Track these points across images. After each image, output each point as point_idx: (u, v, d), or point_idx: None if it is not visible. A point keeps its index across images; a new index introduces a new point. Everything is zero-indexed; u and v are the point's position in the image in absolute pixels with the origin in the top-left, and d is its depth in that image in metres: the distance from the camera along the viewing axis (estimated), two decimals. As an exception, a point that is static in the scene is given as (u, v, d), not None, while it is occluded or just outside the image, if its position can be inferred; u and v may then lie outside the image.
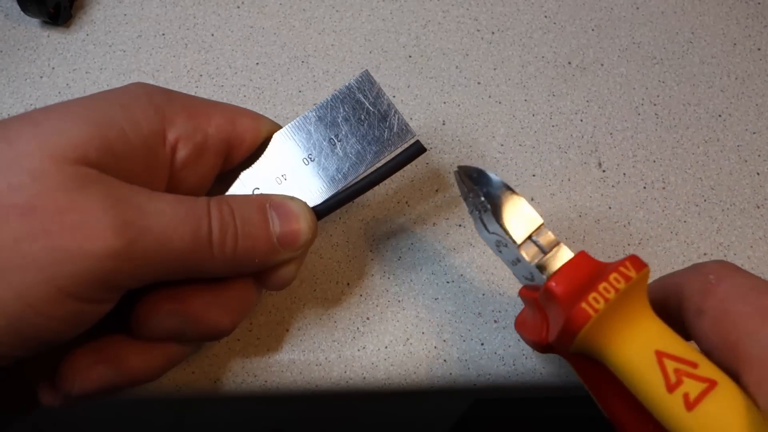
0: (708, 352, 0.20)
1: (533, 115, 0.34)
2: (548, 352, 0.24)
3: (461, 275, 0.30)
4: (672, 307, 0.22)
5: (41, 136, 0.19)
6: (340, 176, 0.25)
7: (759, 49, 0.37)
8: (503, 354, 0.28)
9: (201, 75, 0.34)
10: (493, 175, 0.24)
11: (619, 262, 0.22)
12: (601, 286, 0.21)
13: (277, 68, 0.35)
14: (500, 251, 0.25)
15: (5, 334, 0.18)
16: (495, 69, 0.36)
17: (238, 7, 0.37)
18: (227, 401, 0.29)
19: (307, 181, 0.25)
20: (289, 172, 0.24)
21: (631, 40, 0.37)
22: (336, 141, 0.25)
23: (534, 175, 0.33)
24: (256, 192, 0.24)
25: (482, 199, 0.24)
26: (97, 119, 0.20)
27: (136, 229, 0.19)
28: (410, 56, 0.36)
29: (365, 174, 0.25)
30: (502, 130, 0.34)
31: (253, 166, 0.24)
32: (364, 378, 0.28)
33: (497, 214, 0.24)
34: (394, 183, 0.32)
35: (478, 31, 0.37)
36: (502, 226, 0.23)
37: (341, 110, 0.25)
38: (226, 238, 0.21)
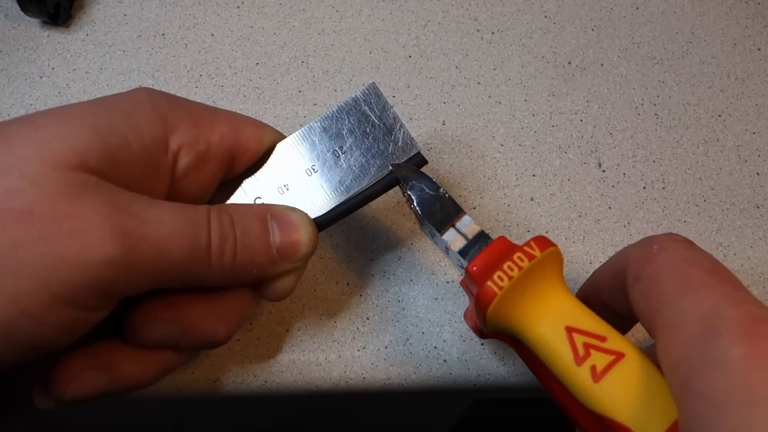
0: (639, 317, 0.21)
1: (533, 115, 0.34)
2: (485, 337, 0.25)
3: (461, 275, 0.30)
4: (622, 275, 0.22)
5: (41, 141, 0.19)
6: (342, 188, 0.25)
7: (759, 49, 0.37)
8: (503, 354, 0.28)
9: (201, 75, 0.34)
10: (417, 170, 0.25)
11: (526, 243, 0.23)
12: (506, 264, 0.22)
13: (277, 68, 0.35)
14: (436, 242, 0.26)
15: None
16: (495, 69, 0.36)
17: (238, 7, 0.37)
18: (227, 401, 0.29)
19: (310, 192, 0.24)
20: (292, 182, 0.24)
21: (631, 40, 0.37)
22: (340, 153, 0.25)
23: (534, 175, 0.33)
24: (258, 201, 0.24)
25: (408, 193, 0.25)
26: (99, 125, 0.20)
27: (133, 237, 0.19)
28: (410, 56, 0.36)
29: (367, 186, 0.25)
30: (502, 130, 0.34)
31: (255, 175, 0.24)
32: (364, 378, 0.28)
33: (420, 206, 0.25)
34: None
35: (478, 31, 0.37)
36: (424, 216, 0.25)
37: (347, 122, 0.25)
38: (225, 248, 0.21)
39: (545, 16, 0.38)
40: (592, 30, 0.37)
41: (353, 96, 0.25)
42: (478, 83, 0.35)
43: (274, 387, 0.28)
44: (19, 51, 0.35)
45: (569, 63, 0.36)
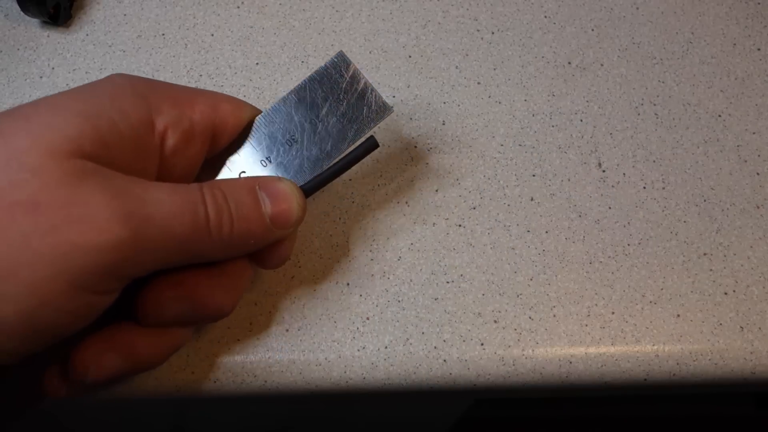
0: None
1: (533, 115, 0.34)
2: None
3: (461, 275, 0.30)
4: None
5: (35, 132, 0.19)
6: (323, 155, 0.25)
7: (759, 49, 0.37)
8: (503, 354, 0.28)
9: (201, 75, 0.34)
10: None
11: None
12: None
13: (277, 68, 0.35)
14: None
15: (18, 329, 0.18)
16: (495, 69, 0.36)
17: (238, 7, 0.37)
18: (227, 401, 0.29)
19: (292, 162, 0.25)
20: (273, 154, 0.25)
21: (631, 40, 0.37)
22: (317, 121, 0.25)
23: (534, 175, 0.33)
24: (243, 176, 0.25)
25: None
26: (87, 111, 0.20)
27: (138, 218, 0.19)
28: (410, 56, 0.36)
29: (348, 151, 0.26)
30: (502, 130, 0.34)
31: (237, 151, 0.25)
32: (364, 378, 0.28)
33: None
34: (394, 183, 0.32)
35: (478, 31, 0.37)
36: None
37: (320, 91, 0.26)
38: (222, 221, 0.22)
39: (545, 16, 0.37)
40: (592, 30, 0.37)
41: (323, 65, 0.26)
42: (478, 83, 0.35)
43: (274, 387, 0.28)
44: (19, 51, 0.35)
45: (569, 63, 0.36)
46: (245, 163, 0.25)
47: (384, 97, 0.26)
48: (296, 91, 0.25)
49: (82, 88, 0.22)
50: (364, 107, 0.26)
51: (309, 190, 0.25)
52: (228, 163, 0.25)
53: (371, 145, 0.26)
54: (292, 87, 0.25)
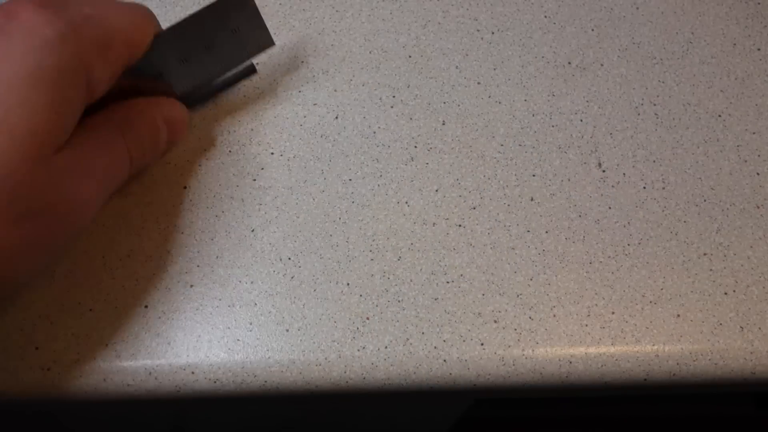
0: None
1: (533, 115, 0.34)
2: None
3: (461, 275, 0.30)
4: None
5: (18, 138, 0.20)
6: (209, 76, 0.30)
7: (759, 49, 0.37)
8: (503, 354, 0.28)
9: (201, 75, 0.34)
10: None
11: None
12: None
13: (276, 68, 0.35)
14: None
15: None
16: (495, 69, 0.36)
17: (238, 7, 0.37)
18: (227, 401, 0.29)
19: (181, 80, 0.29)
20: (166, 71, 0.28)
21: (631, 40, 0.37)
22: (212, 45, 0.29)
23: (534, 175, 0.33)
24: (140, 88, 0.28)
25: None
26: (50, 102, 0.21)
27: (101, 198, 0.25)
28: (410, 56, 0.36)
29: (230, 75, 0.32)
30: (502, 130, 0.34)
31: (137, 65, 0.27)
32: (364, 378, 0.28)
33: None
34: (395, 183, 0.32)
35: (478, 31, 0.37)
36: None
37: (215, 19, 0.28)
38: (140, 159, 0.27)
39: (545, 16, 0.37)
40: (592, 30, 0.37)
41: None
42: (478, 83, 0.35)
43: (274, 387, 0.28)
44: (19, 51, 0.35)
45: (569, 63, 0.36)
46: (142, 76, 0.28)
47: (271, 33, 0.30)
48: (195, 15, 0.28)
49: (30, 62, 0.21)
50: (252, 37, 0.30)
51: (191, 107, 0.30)
52: (125, 74, 0.27)
53: (250, 70, 0.33)
54: (193, 11, 0.28)
